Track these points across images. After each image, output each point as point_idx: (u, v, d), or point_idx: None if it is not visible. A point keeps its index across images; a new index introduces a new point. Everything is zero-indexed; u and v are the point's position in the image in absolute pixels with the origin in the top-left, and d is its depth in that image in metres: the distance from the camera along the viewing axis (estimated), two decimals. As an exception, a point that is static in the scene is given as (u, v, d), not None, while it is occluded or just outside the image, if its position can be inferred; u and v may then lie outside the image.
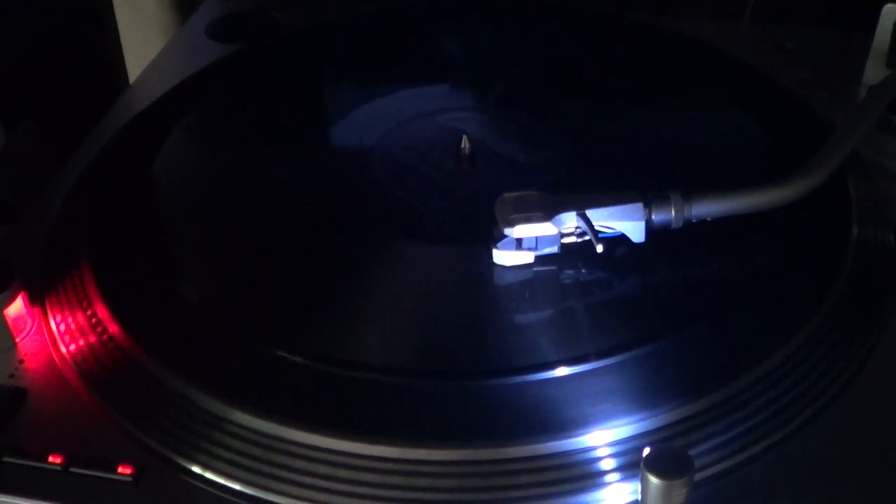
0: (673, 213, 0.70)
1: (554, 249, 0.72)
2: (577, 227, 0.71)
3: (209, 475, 0.62)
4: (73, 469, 0.62)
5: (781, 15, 1.04)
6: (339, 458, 0.61)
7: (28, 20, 1.04)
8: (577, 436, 0.60)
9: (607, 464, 0.60)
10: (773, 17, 1.04)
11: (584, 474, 0.59)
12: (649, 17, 1.03)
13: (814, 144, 0.75)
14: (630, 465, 0.59)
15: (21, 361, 0.70)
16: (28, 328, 0.72)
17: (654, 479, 0.52)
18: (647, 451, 0.53)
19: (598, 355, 0.64)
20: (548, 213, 0.70)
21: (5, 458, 0.63)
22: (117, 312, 0.70)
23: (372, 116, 0.90)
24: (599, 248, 0.68)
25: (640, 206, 0.70)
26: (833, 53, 0.96)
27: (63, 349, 0.70)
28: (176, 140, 0.88)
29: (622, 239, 0.71)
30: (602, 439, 0.60)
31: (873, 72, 0.90)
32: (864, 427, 0.63)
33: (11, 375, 0.69)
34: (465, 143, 0.83)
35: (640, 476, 0.53)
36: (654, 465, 0.52)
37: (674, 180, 0.72)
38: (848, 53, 0.94)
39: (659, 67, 0.95)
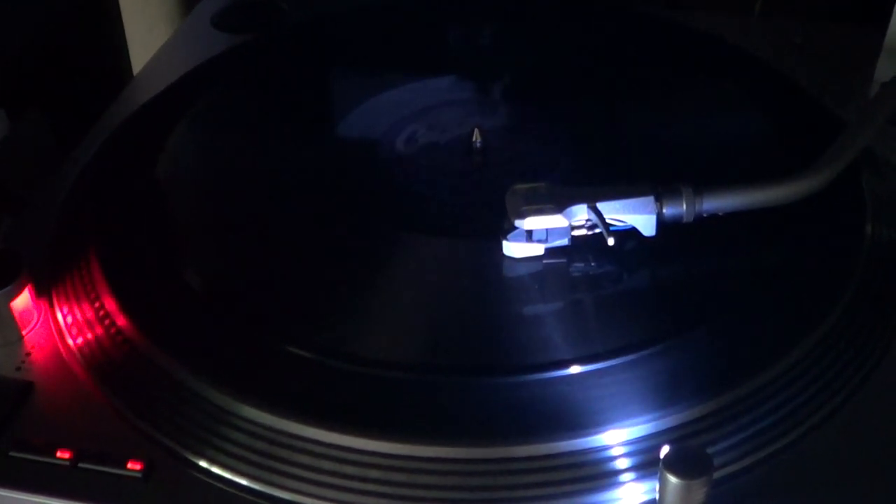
0: (684, 206, 0.70)
1: (564, 242, 0.71)
2: (587, 220, 0.70)
3: (219, 470, 0.61)
4: (81, 464, 0.62)
5: (792, 9, 1.03)
6: (350, 455, 0.60)
7: (32, 10, 1.03)
8: (592, 434, 0.59)
9: (623, 463, 0.59)
10: (784, 12, 1.04)
11: (601, 473, 0.59)
12: (660, 11, 1.02)
13: (825, 141, 0.74)
14: (646, 465, 0.59)
15: (28, 354, 0.69)
16: (35, 321, 0.71)
17: (673, 479, 0.52)
18: (665, 450, 0.53)
19: (614, 352, 0.64)
20: (559, 206, 0.70)
21: (12, 453, 0.63)
22: (125, 304, 0.70)
23: (382, 108, 0.90)
24: (611, 241, 0.68)
25: (650, 199, 0.70)
26: (845, 48, 0.95)
27: (70, 342, 0.70)
28: (182, 131, 0.87)
29: (633, 232, 0.70)
30: (618, 438, 0.60)
31: (886, 67, 0.90)
32: (880, 425, 0.62)
33: (18, 369, 0.68)
34: (476, 136, 0.83)
35: (657, 475, 0.53)
36: (673, 464, 0.52)
37: (685, 175, 0.71)
38: (860, 49, 0.94)
39: (670, 61, 0.94)
